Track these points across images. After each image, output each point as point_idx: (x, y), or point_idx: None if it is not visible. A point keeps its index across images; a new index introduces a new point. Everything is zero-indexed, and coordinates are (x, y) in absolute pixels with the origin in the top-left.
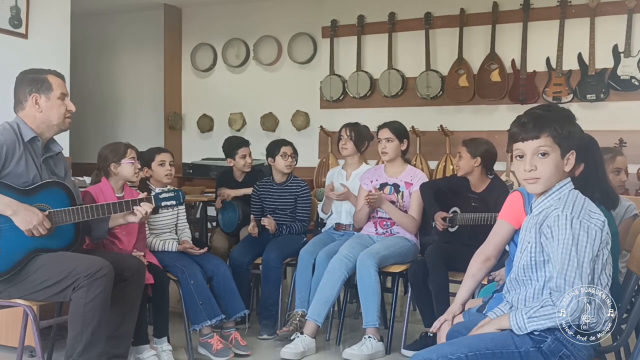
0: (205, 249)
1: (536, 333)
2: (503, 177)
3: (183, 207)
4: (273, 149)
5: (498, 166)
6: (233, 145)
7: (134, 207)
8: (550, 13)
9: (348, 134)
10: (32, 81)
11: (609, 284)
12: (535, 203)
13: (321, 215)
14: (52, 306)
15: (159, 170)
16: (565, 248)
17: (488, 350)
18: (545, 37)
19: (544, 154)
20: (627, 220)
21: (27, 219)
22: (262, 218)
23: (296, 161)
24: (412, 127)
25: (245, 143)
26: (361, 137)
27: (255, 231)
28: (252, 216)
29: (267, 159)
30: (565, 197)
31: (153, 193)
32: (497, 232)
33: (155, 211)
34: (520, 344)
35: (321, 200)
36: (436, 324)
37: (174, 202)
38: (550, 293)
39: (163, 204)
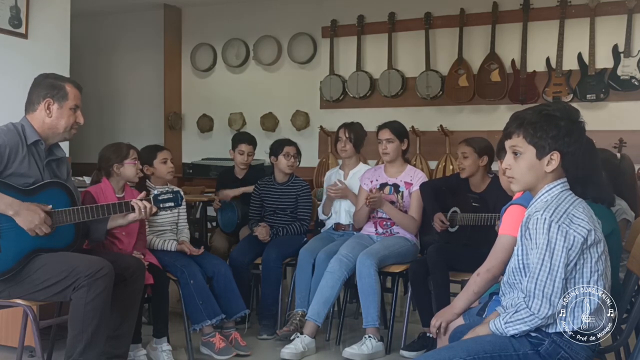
0: (202, 248)
1: (533, 335)
2: None
3: (184, 206)
4: (276, 148)
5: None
6: (235, 139)
7: (133, 202)
8: (550, 13)
9: (347, 135)
10: (49, 86)
11: (607, 288)
12: (529, 206)
13: (321, 216)
14: (52, 306)
15: (161, 167)
16: (540, 252)
17: (487, 354)
18: (545, 37)
19: (516, 154)
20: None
21: (29, 218)
22: (254, 228)
23: (299, 162)
24: (412, 127)
25: (244, 139)
26: (359, 137)
27: (267, 238)
28: (263, 223)
29: (269, 158)
30: (552, 200)
31: (152, 193)
32: (504, 248)
33: (154, 212)
34: (518, 347)
35: (321, 200)
36: (433, 331)
37: (172, 204)
38: (524, 297)
39: (161, 205)
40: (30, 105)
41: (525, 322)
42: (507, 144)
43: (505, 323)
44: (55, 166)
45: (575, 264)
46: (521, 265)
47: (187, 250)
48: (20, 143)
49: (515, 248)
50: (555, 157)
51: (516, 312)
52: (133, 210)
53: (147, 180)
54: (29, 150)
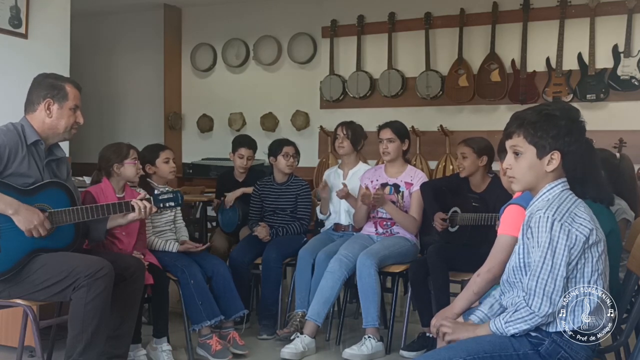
0: (208, 244)
1: (533, 335)
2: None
3: None
4: (275, 148)
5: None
6: (235, 142)
7: (132, 202)
8: (550, 13)
9: (344, 132)
10: (49, 86)
11: (606, 287)
12: (529, 205)
13: (319, 216)
14: (52, 306)
15: (164, 167)
16: (542, 250)
17: (486, 354)
18: (545, 37)
19: (517, 154)
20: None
21: (28, 218)
22: (254, 228)
23: (298, 161)
24: (412, 127)
25: (244, 143)
26: (357, 135)
27: (268, 237)
28: (263, 223)
29: (269, 158)
30: (553, 199)
31: (155, 192)
32: (503, 248)
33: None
34: (518, 347)
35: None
36: (433, 331)
37: (172, 204)
38: (524, 295)
39: (162, 205)
40: (30, 106)
41: (525, 320)
42: (508, 144)
43: (506, 323)
44: (55, 166)
45: (577, 263)
46: (522, 264)
47: (192, 246)
48: (20, 143)
49: (517, 246)
50: (556, 156)
51: (516, 311)
52: (133, 210)
53: (149, 178)
54: (29, 151)
